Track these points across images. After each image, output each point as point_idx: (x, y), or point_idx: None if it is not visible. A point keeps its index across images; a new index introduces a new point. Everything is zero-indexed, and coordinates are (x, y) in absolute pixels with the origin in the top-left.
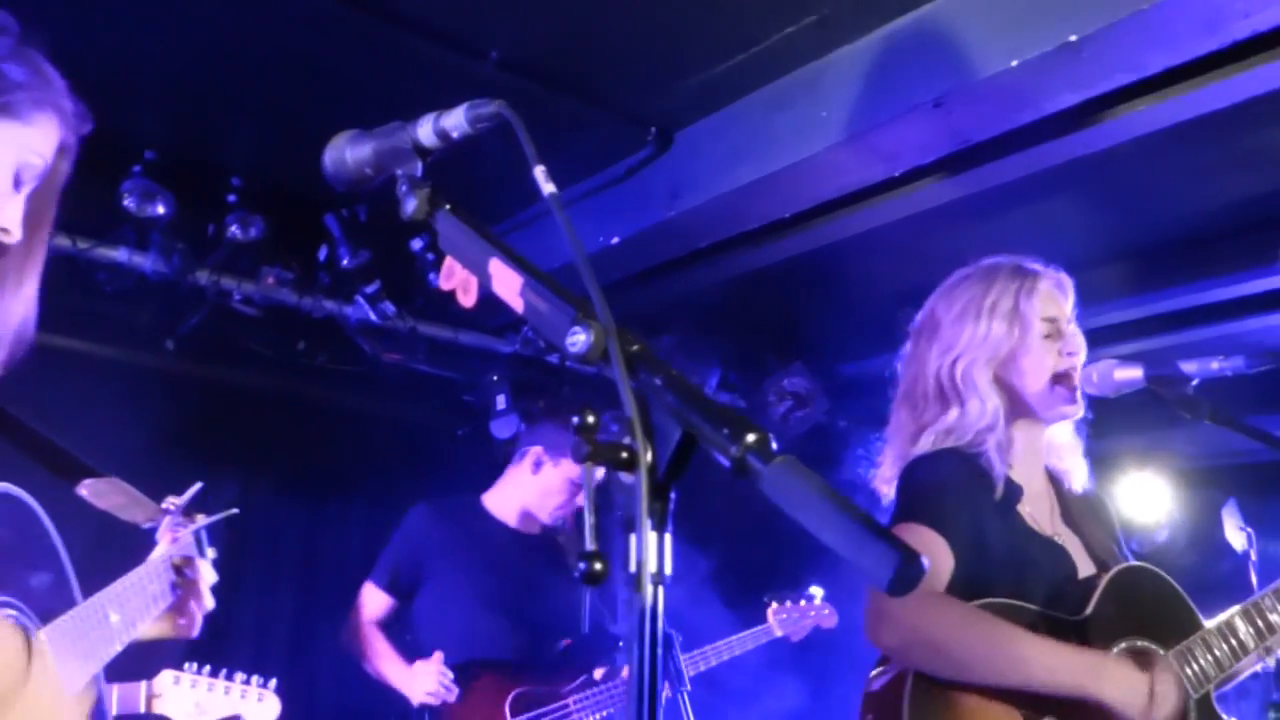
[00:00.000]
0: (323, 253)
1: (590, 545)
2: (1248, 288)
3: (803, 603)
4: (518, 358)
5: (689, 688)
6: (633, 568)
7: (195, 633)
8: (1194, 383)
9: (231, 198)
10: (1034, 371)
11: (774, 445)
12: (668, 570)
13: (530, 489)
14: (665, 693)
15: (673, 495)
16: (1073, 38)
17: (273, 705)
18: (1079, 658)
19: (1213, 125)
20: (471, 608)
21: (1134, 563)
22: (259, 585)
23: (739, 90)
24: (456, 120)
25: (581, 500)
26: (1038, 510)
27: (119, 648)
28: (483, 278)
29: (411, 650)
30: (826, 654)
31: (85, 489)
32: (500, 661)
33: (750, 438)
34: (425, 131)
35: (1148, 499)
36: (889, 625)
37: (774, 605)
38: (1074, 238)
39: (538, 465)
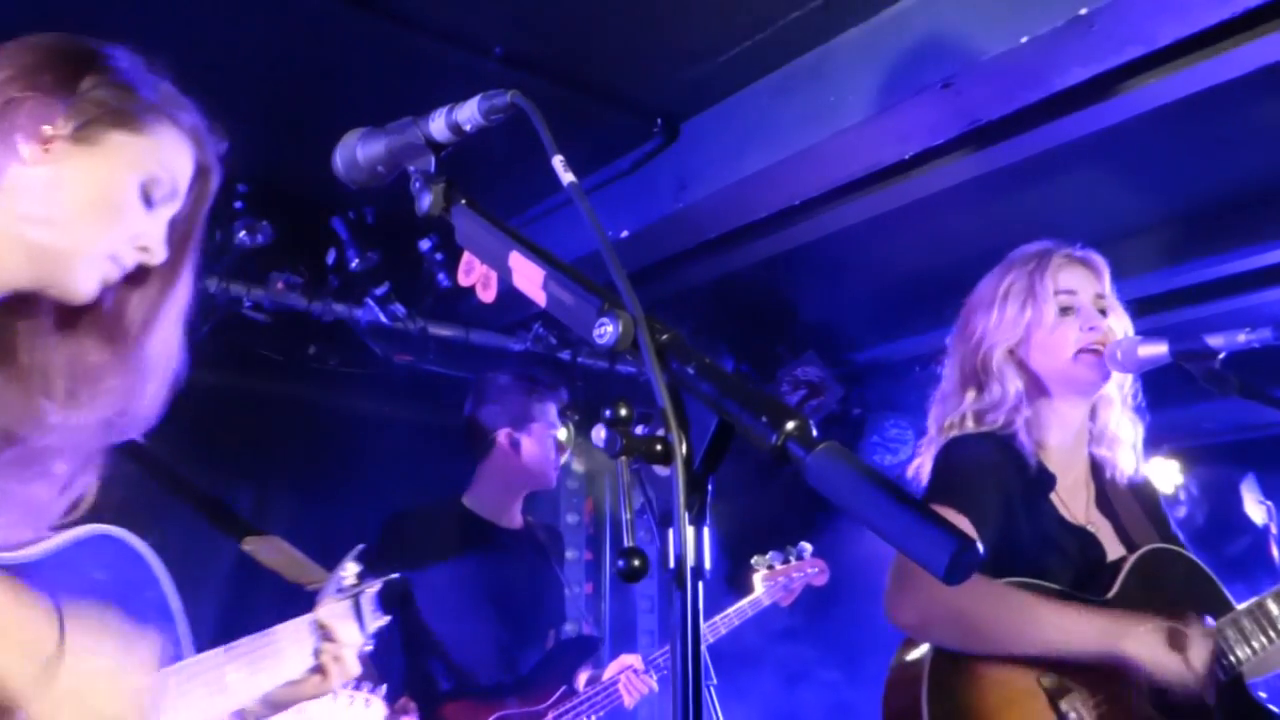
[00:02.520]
0: (331, 256)
1: (628, 542)
2: (1269, 258)
3: (791, 562)
4: (529, 355)
5: (715, 681)
6: (671, 563)
7: (332, 691)
8: (1220, 356)
9: (238, 204)
10: (1053, 348)
11: (815, 431)
12: (707, 565)
13: (519, 470)
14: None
15: (710, 487)
16: (1083, 11)
17: (378, 711)
18: (1099, 617)
19: (1228, 95)
20: (462, 612)
21: (1160, 545)
22: (277, 592)
23: (744, 78)
24: (470, 112)
25: (563, 445)
26: (1072, 499)
27: (234, 706)
28: (503, 272)
29: (411, 663)
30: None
31: (248, 545)
32: (475, 688)
33: (790, 425)
34: (438, 125)
35: (1163, 476)
36: (908, 604)
37: (762, 571)
38: (1090, 214)
39: (515, 444)
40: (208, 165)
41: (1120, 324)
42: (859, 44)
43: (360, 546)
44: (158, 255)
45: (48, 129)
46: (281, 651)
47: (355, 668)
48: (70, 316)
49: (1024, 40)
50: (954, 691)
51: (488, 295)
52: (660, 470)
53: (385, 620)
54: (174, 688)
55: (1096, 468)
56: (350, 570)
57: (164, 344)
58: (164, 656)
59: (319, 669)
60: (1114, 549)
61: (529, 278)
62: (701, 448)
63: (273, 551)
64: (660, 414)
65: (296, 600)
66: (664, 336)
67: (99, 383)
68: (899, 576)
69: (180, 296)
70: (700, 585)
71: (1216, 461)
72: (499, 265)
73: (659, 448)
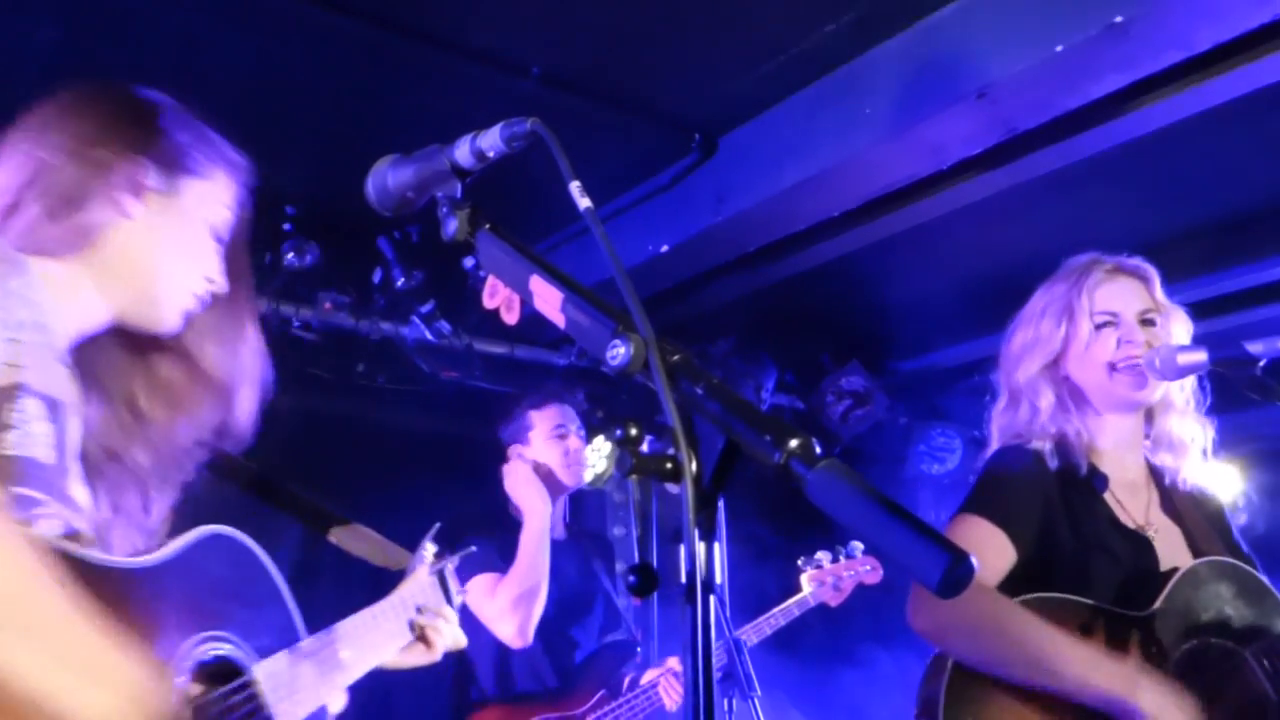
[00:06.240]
0: (377, 275)
1: (636, 557)
2: None
3: (841, 560)
4: (574, 370)
5: (760, 693)
6: (683, 578)
7: (437, 659)
8: (1261, 364)
9: (286, 226)
10: (1089, 364)
11: (818, 449)
12: (718, 579)
13: (533, 479)
14: (735, 700)
15: (720, 504)
16: (1118, 19)
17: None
18: (1115, 667)
19: (1267, 99)
20: None
21: (1214, 558)
22: (329, 605)
23: (781, 92)
24: (492, 140)
25: (575, 444)
26: (1130, 501)
27: (350, 679)
28: (525, 295)
29: (460, 666)
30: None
31: (334, 536)
32: (515, 692)
33: (793, 443)
34: (463, 153)
35: (1223, 481)
36: (926, 611)
37: (809, 570)
38: (1129, 221)
39: (520, 458)
40: (243, 195)
41: (1176, 330)
42: (893, 56)
43: (437, 525)
44: (221, 285)
45: (143, 182)
46: (381, 627)
47: (460, 637)
48: (153, 343)
49: (1059, 49)
50: (969, 700)
51: (511, 317)
52: (671, 487)
53: (466, 593)
54: (292, 667)
55: (1156, 473)
56: (429, 550)
57: (250, 359)
58: (282, 640)
59: (422, 639)
60: (1177, 555)
61: (548, 300)
62: (710, 465)
63: (357, 539)
64: (670, 433)
65: (384, 583)
66: (674, 358)
67: (175, 399)
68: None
69: (251, 318)
70: (712, 599)
71: (1277, 467)
72: (521, 288)
73: (669, 466)
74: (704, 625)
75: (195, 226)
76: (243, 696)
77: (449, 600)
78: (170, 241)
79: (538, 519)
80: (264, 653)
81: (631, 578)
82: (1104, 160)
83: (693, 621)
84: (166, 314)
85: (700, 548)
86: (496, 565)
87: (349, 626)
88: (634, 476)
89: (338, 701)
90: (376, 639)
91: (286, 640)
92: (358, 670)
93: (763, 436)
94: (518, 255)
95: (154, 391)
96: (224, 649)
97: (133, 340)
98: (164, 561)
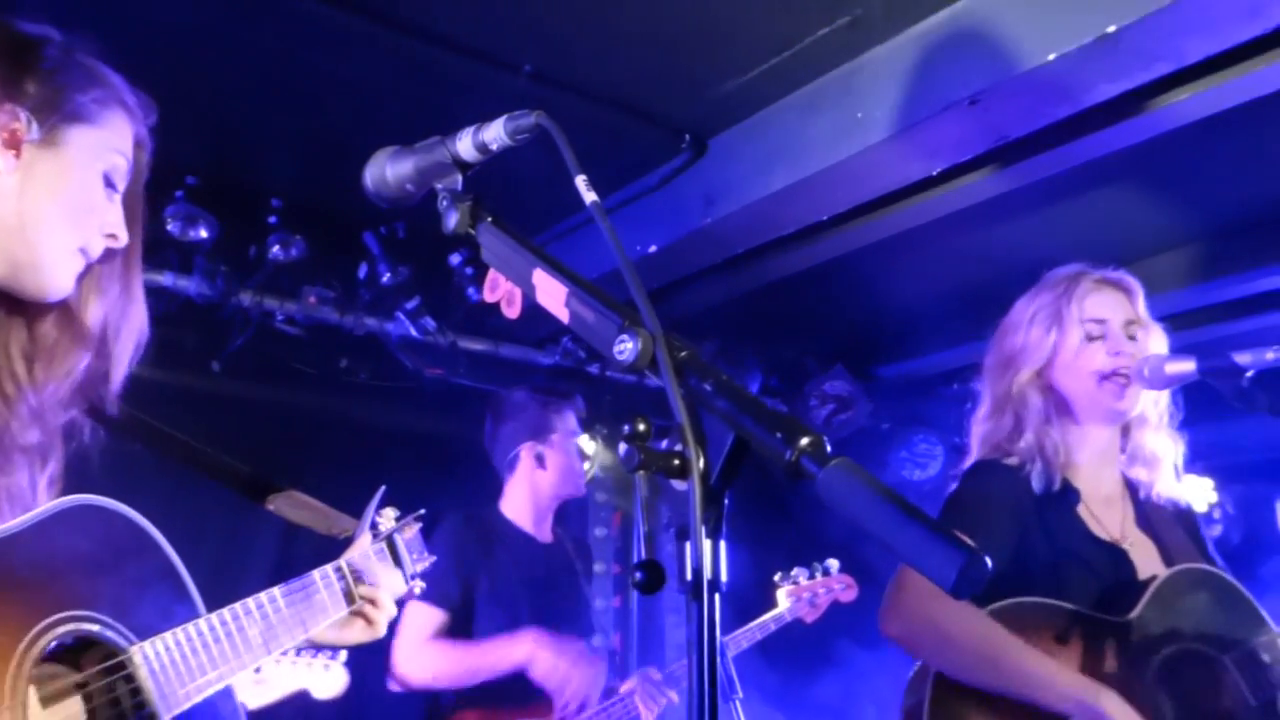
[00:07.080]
0: (363, 270)
1: (643, 555)
2: None
3: (817, 578)
4: (558, 369)
5: (741, 695)
6: (689, 576)
7: (379, 636)
8: (1249, 374)
9: (272, 219)
10: (1077, 373)
11: (829, 448)
12: (723, 578)
13: (546, 483)
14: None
15: (726, 501)
16: (1110, 29)
17: (339, 676)
18: (1079, 675)
19: (1257, 111)
20: (501, 619)
21: (1192, 565)
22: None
23: (773, 95)
24: (496, 133)
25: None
26: (1105, 515)
27: (256, 659)
28: (527, 289)
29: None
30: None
31: (272, 505)
32: (492, 693)
33: (804, 441)
34: (465, 145)
35: (1196, 494)
36: (897, 616)
37: (786, 585)
38: (1117, 231)
39: (539, 458)
40: (143, 136)
41: (1154, 346)
42: (886, 61)
43: (383, 489)
44: (124, 238)
45: (18, 132)
46: (311, 600)
47: (390, 609)
48: (37, 305)
49: (1051, 57)
50: (953, 707)
51: (512, 311)
52: (678, 485)
53: (430, 561)
54: (182, 647)
55: (1131, 487)
56: (387, 516)
57: (135, 315)
58: (169, 619)
59: (360, 614)
60: (1153, 566)
61: (552, 295)
62: (718, 463)
63: (297, 507)
64: (678, 430)
65: (333, 554)
66: (682, 354)
67: (56, 360)
68: (894, 589)
69: (139, 268)
70: (717, 598)
71: (1250, 479)
72: (523, 282)
73: (676, 462)
74: (710, 623)
75: (84, 180)
76: (118, 677)
77: (401, 570)
78: (54, 201)
79: (524, 655)
80: (144, 633)
81: (638, 574)
82: (1094, 169)
83: (698, 619)
84: (52, 280)
85: (706, 546)
86: (448, 592)
87: (260, 601)
88: (641, 473)
89: (251, 681)
90: (297, 614)
91: (177, 618)
92: (272, 648)
93: (773, 434)
94: (521, 248)
95: (32, 352)
96: (91, 629)
97: (15, 302)
98: (7, 536)
